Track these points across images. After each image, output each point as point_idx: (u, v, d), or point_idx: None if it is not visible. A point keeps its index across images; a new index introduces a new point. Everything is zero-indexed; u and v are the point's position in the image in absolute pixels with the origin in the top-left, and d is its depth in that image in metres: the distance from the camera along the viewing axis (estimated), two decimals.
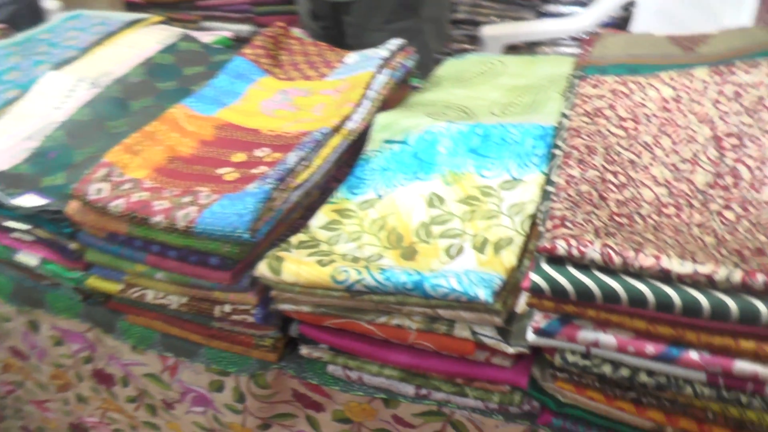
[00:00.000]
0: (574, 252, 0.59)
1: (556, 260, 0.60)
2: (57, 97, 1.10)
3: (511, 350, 0.63)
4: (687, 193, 0.69)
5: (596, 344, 0.60)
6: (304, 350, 0.74)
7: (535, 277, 0.59)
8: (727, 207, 0.67)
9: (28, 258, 0.86)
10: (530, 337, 0.62)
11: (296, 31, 1.14)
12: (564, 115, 0.83)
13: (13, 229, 0.87)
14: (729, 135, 0.74)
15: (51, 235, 0.84)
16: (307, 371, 0.75)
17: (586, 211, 0.65)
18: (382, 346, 0.69)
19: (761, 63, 0.81)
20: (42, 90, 1.12)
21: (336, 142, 0.84)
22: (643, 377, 0.60)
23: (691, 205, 0.68)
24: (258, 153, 0.84)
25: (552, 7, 2.15)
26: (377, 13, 1.49)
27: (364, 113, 0.90)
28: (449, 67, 1.10)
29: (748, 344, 0.54)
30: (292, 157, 0.79)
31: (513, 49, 2.07)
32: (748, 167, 0.70)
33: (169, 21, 2.44)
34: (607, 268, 0.59)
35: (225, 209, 0.70)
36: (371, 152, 0.87)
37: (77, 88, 1.11)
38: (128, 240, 0.76)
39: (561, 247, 0.59)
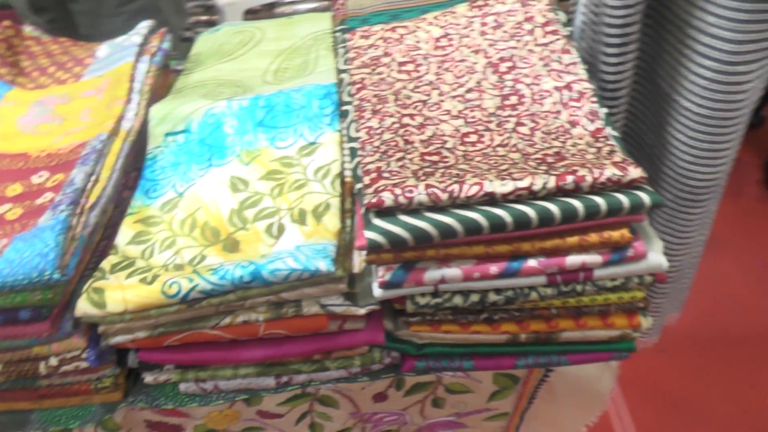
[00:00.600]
0: (402, 200, 0.59)
1: (385, 212, 0.61)
2: None
3: (362, 311, 0.63)
4: (481, 119, 0.73)
5: (443, 280, 0.62)
6: (149, 378, 0.68)
7: (370, 234, 0.59)
8: (520, 123, 0.72)
9: None
10: (377, 292, 0.62)
11: (27, 29, 1.00)
12: (342, 71, 0.83)
13: None
14: (502, 60, 0.79)
15: None
16: (158, 398, 0.69)
17: (398, 159, 0.66)
18: (231, 348, 0.65)
19: None
20: None
21: (117, 147, 0.76)
22: (493, 296, 0.63)
23: (488, 129, 0.72)
24: (36, 179, 0.74)
25: None
26: None
27: (137, 109, 0.82)
28: (205, 42, 1.04)
29: (573, 239, 0.59)
30: (77, 175, 0.70)
31: (252, 13, 2.02)
32: (527, 84, 0.76)
33: None
34: (436, 207, 0.60)
35: (22, 253, 0.60)
36: (155, 149, 0.80)
37: None
38: None
39: (387, 198, 0.60)
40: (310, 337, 0.65)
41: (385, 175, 0.62)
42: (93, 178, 0.71)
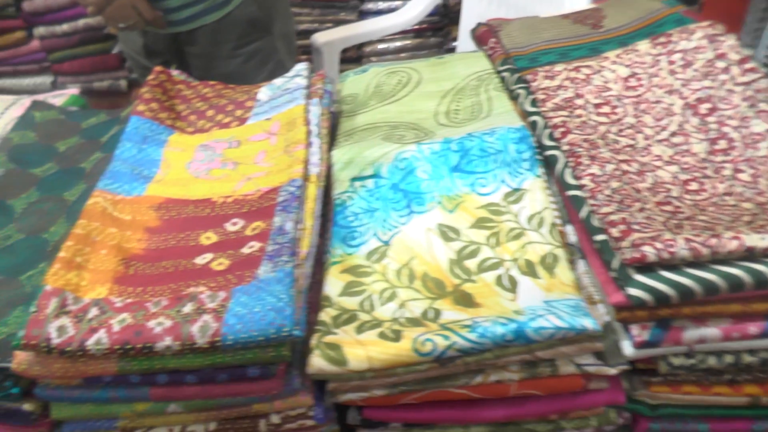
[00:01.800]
0: (664, 255, 0.56)
1: (643, 267, 0.58)
2: None
3: (613, 371, 0.60)
4: (695, 165, 0.70)
5: (702, 340, 0.58)
6: None
7: (633, 291, 0.56)
8: (738, 170, 0.69)
9: None
10: (630, 351, 0.59)
11: (175, 73, 0.99)
12: (531, 113, 0.80)
13: None
14: (700, 101, 0.77)
15: None
16: None
17: (639, 209, 0.63)
18: (470, 406, 0.61)
19: (691, 28, 0.84)
20: None
21: (314, 193, 0.74)
22: (747, 358, 0.59)
23: (706, 176, 0.69)
24: (230, 227, 0.71)
25: (371, 5, 2.14)
26: (226, 38, 1.36)
27: (319, 153, 0.80)
28: (356, 83, 1.03)
29: None
30: (285, 223, 0.67)
31: (345, 52, 2.03)
32: (733, 127, 0.73)
33: None
34: (695, 262, 0.57)
35: (251, 308, 0.57)
36: (343, 194, 0.77)
37: None
38: (120, 379, 0.60)
39: (650, 253, 0.56)
40: (554, 395, 0.61)
41: (636, 227, 0.59)
42: (300, 226, 0.69)
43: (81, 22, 1.92)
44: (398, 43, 2.14)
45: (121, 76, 2.04)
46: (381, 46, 2.16)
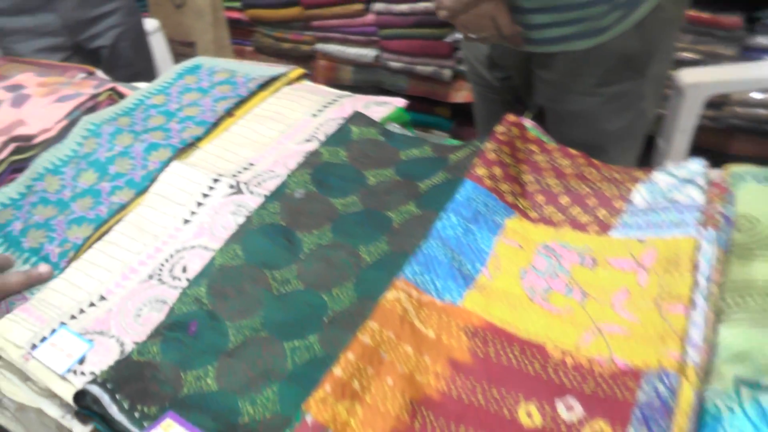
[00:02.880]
0: None
1: None
2: (184, 208, 0.76)
3: None
4: None
5: None
6: None
7: None
8: None
9: None
10: None
11: (529, 125, 0.78)
12: None
13: None
14: None
15: None
16: None
17: None
18: None
19: None
20: (163, 194, 0.78)
21: (688, 400, 0.48)
22: None
23: None
24: (564, 413, 0.49)
25: (762, 39, 1.68)
26: (589, 71, 1.11)
27: (703, 326, 0.53)
28: (760, 198, 0.71)
29: None
30: None
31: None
32: None
33: (277, 41, 2.13)
34: None
35: None
36: (721, 400, 0.50)
37: (213, 193, 0.77)
38: None
39: None
40: None
41: None
42: None
43: (421, 6, 1.82)
44: None
45: (447, 65, 1.90)
46: (758, 97, 1.70)
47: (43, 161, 0.85)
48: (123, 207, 0.79)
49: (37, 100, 0.94)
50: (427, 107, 2.05)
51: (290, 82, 0.99)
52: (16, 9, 1.52)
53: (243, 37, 2.26)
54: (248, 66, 1.03)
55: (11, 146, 0.86)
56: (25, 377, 0.62)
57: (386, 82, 2.04)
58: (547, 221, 0.68)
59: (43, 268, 0.73)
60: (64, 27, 1.57)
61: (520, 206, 0.69)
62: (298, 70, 1.01)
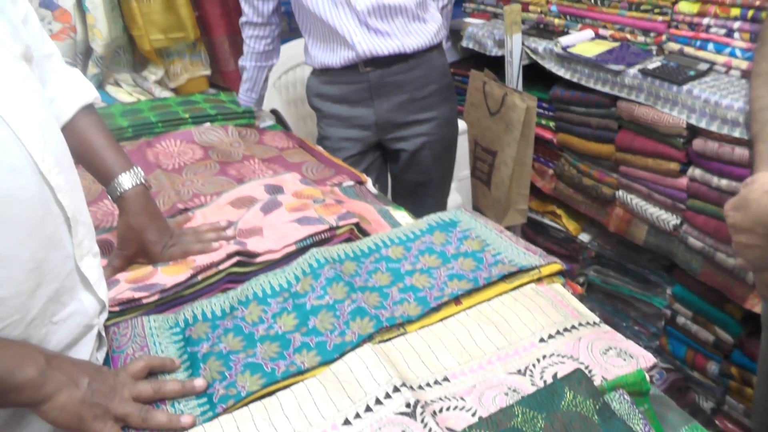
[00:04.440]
0: None
1: None
2: (352, 407, 0.66)
3: None
4: None
5: None
6: None
7: None
8: None
9: None
10: None
11: None
12: None
13: None
14: None
15: None
16: None
17: None
18: None
19: None
20: (340, 378, 0.70)
21: None
22: None
23: None
24: None
25: None
26: None
27: None
28: None
29: None
30: None
31: None
32: None
33: (580, 173, 1.97)
34: None
35: None
36: None
37: (387, 403, 0.66)
38: None
39: None
40: None
41: None
42: None
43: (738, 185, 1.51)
44: None
45: None
46: None
47: (255, 285, 0.83)
48: (300, 372, 0.72)
49: (283, 213, 0.94)
50: (717, 298, 1.71)
51: (540, 279, 0.84)
52: (341, 98, 1.60)
53: (548, 158, 2.15)
54: (504, 240, 0.91)
55: (235, 259, 0.85)
56: None
57: (680, 256, 1.75)
58: None
59: (199, 382, 0.72)
60: (375, 124, 1.62)
61: None
62: (555, 266, 0.86)
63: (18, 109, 0.66)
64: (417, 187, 1.75)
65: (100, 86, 1.81)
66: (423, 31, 1.56)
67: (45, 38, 0.87)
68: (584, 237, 2.14)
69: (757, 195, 0.77)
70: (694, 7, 1.66)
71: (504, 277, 0.83)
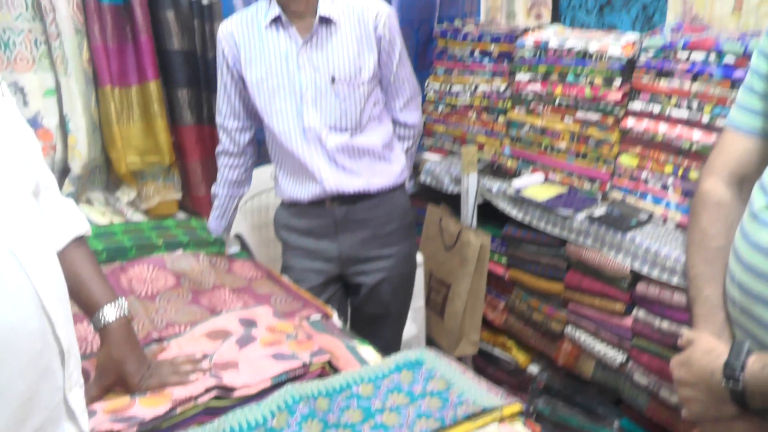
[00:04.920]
0: None
1: None
2: None
3: None
4: None
5: None
6: None
7: None
8: None
9: None
10: None
11: None
12: None
13: None
14: None
15: None
16: None
17: None
18: None
19: None
20: None
21: None
22: None
23: None
24: None
25: None
26: None
27: None
28: None
29: None
30: None
31: None
32: None
33: (530, 309, 2.08)
34: None
35: None
36: None
37: None
38: None
39: None
40: None
41: None
42: None
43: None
44: None
45: None
46: None
47: (231, 419, 0.85)
48: None
49: (258, 348, 0.98)
50: None
51: (502, 419, 0.90)
52: (308, 231, 1.68)
53: (500, 291, 2.24)
54: (468, 381, 0.97)
55: (213, 393, 0.88)
56: None
57: (626, 392, 1.83)
58: None
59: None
60: (339, 257, 1.69)
61: None
62: (516, 407, 0.92)
63: (27, 244, 0.71)
64: (375, 319, 1.79)
65: None
66: (388, 171, 1.67)
67: (47, 171, 0.93)
68: (533, 368, 2.20)
69: (699, 355, 0.87)
70: (634, 161, 1.84)
71: (468, 417, 0.88)
